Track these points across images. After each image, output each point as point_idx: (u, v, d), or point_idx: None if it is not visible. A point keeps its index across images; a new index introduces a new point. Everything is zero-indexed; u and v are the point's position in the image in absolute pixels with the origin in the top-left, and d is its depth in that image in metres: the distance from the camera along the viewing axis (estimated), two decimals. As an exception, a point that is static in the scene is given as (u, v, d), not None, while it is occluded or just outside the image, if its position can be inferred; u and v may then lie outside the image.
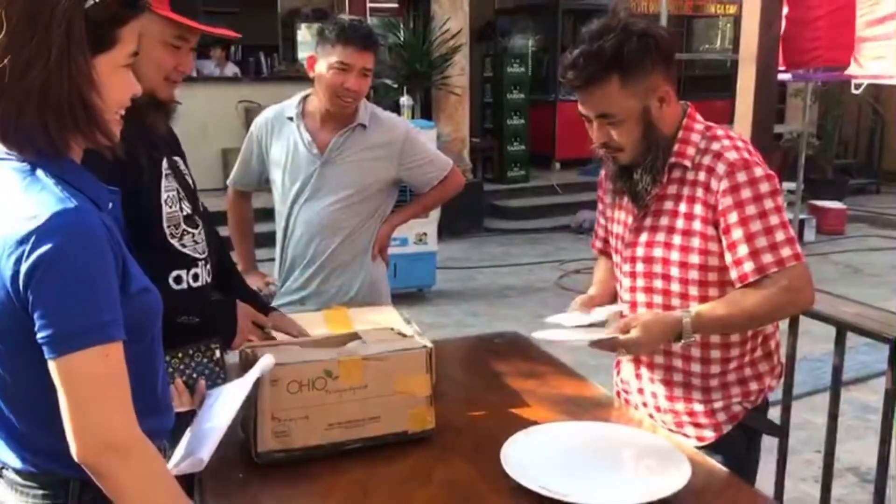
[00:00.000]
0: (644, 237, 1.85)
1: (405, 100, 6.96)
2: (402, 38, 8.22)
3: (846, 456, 3.50)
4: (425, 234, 6.14)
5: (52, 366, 1.12)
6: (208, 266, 1.91)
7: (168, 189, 1.80)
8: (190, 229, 1.84)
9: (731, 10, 11.73)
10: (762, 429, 1.91)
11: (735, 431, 1.85)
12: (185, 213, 1.84)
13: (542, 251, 7.85)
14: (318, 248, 2.57)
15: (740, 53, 2.97)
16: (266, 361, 1.56)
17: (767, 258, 1.67)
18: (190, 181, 1.91)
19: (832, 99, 10.26)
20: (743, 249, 1.68)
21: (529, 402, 1.97)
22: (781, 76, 3.34)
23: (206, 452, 1.36)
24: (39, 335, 1.12)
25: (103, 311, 1.13)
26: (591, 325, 1.85)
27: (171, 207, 1.80)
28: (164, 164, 1.81)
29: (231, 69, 9.75)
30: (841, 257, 7.59)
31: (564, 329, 1.84)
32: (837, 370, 2.57)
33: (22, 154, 1.18)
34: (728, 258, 1.72)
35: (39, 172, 1.17)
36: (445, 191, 2.71)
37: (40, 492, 1.27)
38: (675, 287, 1.80)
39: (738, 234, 1.69)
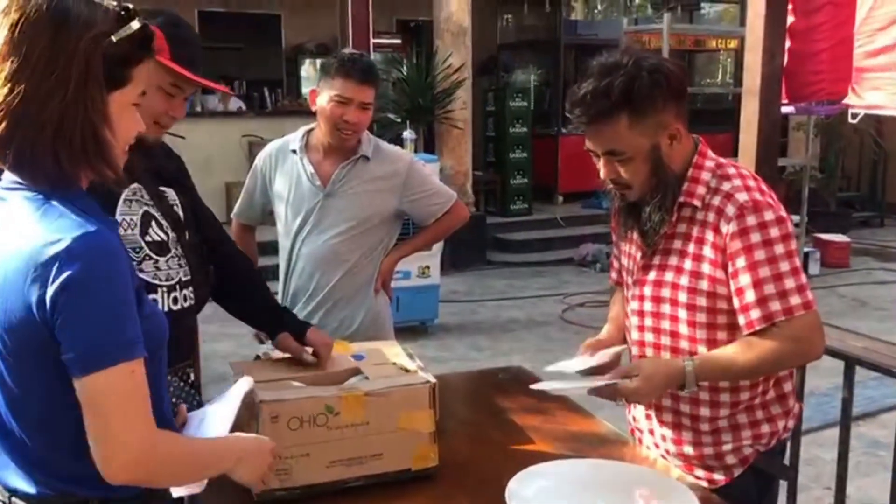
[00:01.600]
0: (652, 275, 1.80)
1: (408, 133, 6.99)
2: (404, 73, 8.28)
3: (856, 493, 3.44)
4: (428, 267, 6.13)
5: (78, 385, 1.14)
6: (175, 294, 1.89)
7: (123, 214, 1.80)
8: (154, 256, 1.84)
9: (732, 44, 11.82)
10: (774, 472, 1.85)
11: (747, 475, 1.79)
12: (149, 238, 1.85)
13: (546, 284, 7.82)
14: (320, 281, 2.55)
15: (743, 87, 2.98)
16: (245, 384, 1.54)
17: (775, 306, 1.62)
18: (178, 211, 1.93)
19: (834, 132, 10.29)
20: (750, 296, 1.63)
21: (534, 438, 1.95)
22: (784, 109, 3.34)
23: None
24: (66, 355, 1.14)
25: (128, 329, 1.16)
26: (592, 370, 1.80)
27: (123, 231, 1.80)
28: (127, 191, 1.81)
29: (235, 103, 9.82)
30: (846, 290, 7.55)
31: (564, 379, 1.79)
32: (847, 404, 2.54)
33: (34, 183, 1.20)
34: (736, 303, 1.67)
35: (54, 201, 1.20)
36: (449, 224, 2.70)
37: None
38: (684, 329, 1.76)
39: (745, 279, 1.64)
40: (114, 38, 1.18)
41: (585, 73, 1.70)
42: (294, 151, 2.58)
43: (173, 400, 1.57)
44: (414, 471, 1.71)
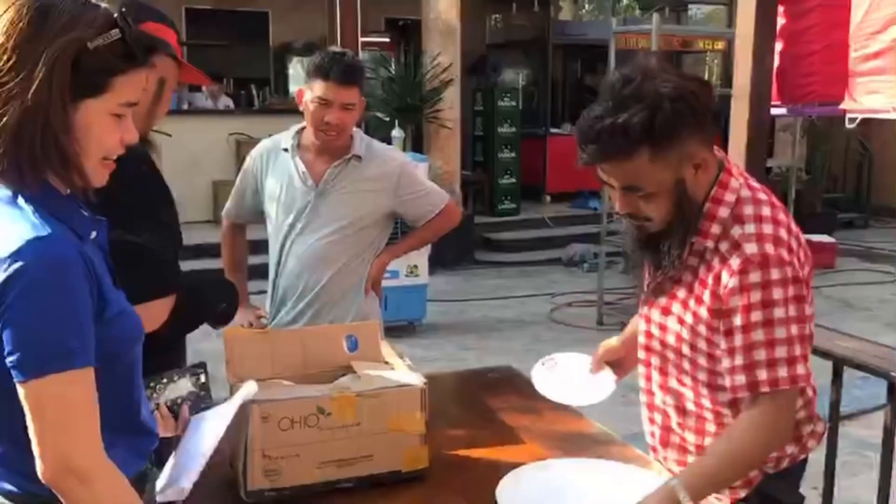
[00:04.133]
0: (662, 301, 1.71)
1: (396, 133, 6.98)
2: (393, 72, 8.27)
3: (843, 493, 3.45)
4: (416, 266, 6.12)
5: (20, 389, 1.14)
6: None
7: None
8: None
9: (720, 45, 11.86)
10: (780, 497, 1.74)
11: (752, 498, 1.70)
12: None
13: (534, 284, 7.82)
14: (309, 281, 2.54)
15: (733, 89, 2.99)
16: (249, 388, 1.53)
17: (762, 375, 1.52)
18: None
19: (821, 134, 10.35)
20: (739, 359, 1.54)
21: (524, 438, 1.94)
22: (776, 111, 3.33)
23: (188, 482, 1.37)
24: (8, 359, 1.14)
25: (70, 338, 1.14)
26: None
27: None
28: None
29: (224, 101, 9.76)
30: (832, 291, 7.59)
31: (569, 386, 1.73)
32: (835, 406, 2.56)
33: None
34: (725, 363, 1.57)
35: (20, 200, 1.18)
36: (441, 225, 2.68)
37: None
38: (686, 365, 1.68)
39: (737, 340, 1.54)
40: (89, 46, 1.16)
41: (598, 96, 1.55)
42: (286, 150, 2.57)
43: (178, 402, 1.55)
44: (404, 472, 1.70)
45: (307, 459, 1.62)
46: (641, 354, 1.82)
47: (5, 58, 1.13)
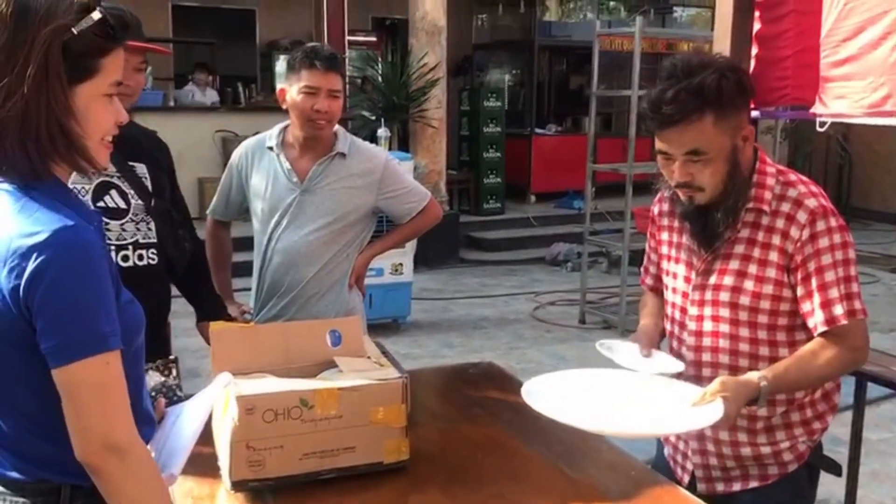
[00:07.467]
0: (713, 280, 1.82)
1: (382, 132, 7.01)
2: (379, 71, 8.30)
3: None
4: (401, 264, 6.15)
5: (55, 374, 1.18)
6: (126, 252, 2.17)
7: (74, 183, 1.93)
8: (106, 219, 2.09)
9: (705, 48, 11.95)
10: (823, 467, 1.91)
11: (799, 469, 1.85)
12: (102, 205, 2.13)
13: (517, 283, 7.88)
14: (294, 277, 2.57)
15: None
16: (224, 378, 1.56)
17: (842, 308, 1.69)
18: (146, 183, 2.25)
19: (802, 137, 10.46)
20: (820, 297, 1.70)
21: (505, 431, 1.98)
22: (751, 114, 3.39)
23: (177, 468, 1.39)
24: (43, 345, 1.18)
25: (103, 322, 1.20)
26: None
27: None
28: None
29: (211, 95, 9.73)
30: (811, 292, 7.68)
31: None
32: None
33: (6, 177, 1.22)
34: (805, 306, 1.73)
35: (34, 193, 1.22)
36: (423, 222, 2.73)
37: (29, 500, 1.27)
38: (744, 332, 1.80)
39: (817, 282, 1.70)
40: (75, 31, 1.19)
41: (661, 76, 1.73)
42: (271, 148, 2.60)
43: (153, 394, 1.59)
44: (386, 464, 1.74)
45: (290, 451, 1.66)
46: (691, 340, 1.87)
47: None
